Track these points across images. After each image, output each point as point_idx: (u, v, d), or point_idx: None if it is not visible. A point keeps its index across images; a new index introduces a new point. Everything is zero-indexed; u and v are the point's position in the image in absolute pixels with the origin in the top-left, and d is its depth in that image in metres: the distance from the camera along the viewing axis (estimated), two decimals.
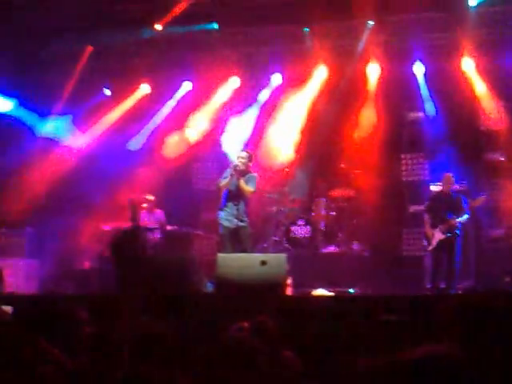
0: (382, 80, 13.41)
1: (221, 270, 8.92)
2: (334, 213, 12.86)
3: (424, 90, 13.39)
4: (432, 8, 12.56)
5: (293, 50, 13.65)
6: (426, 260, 11.82)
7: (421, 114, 13.59)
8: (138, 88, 14.42)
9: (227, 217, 10.43)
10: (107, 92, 14.52)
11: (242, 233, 10.41)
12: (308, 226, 12.55)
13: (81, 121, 14.20)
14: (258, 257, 9.33)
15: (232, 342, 3.94)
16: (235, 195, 10.43)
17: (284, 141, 13.72)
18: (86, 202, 12.93)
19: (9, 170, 12.82)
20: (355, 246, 12.60)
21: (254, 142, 13.37)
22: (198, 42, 13.66)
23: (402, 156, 13.74)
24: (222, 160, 13.18)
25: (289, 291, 9.49)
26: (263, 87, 14.11)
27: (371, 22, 12.92)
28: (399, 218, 13.27)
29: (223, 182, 10.47)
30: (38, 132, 13.97)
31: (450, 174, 11.38)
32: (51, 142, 13.95)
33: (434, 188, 12.18)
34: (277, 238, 12.63)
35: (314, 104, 13.80)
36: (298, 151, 13.58)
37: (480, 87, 13.04)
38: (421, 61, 13.23)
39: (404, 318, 6.68)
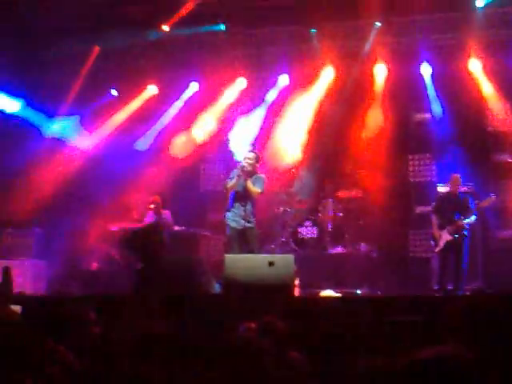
0: (389, 81, 13.40)
1: (228, 271, 8.92)
2: (341, 214, 12.84)
3: (431, 91, 13.36)
4: (439, 9, 12.55)
5: (300, 51, 13.65)
6: (434, 261, 11.80)
7: (428, 115, 13.57)
8: (145, 89, 14.44)
9: (234, 218, 10.41)
10: (114, 93, 14.54)
11: (249, 234, 10.39)
12: (315, 227, 12.54)
13: (88, 121, 14.24)
14: (266, 258, 9.32)
15: (239, 343, 3.94)
16: (242, 196, 10.41)
17: (291, 141, 13.72)
18: (93, 202, 12.97)
19: (16, 170, 12.85)
20: (362, 246, 12.58)
21: (260, 143, 13.36)
22: (204, 42, 13.68)
23: (410, 157, 13.71)
24: (229, 161, 13.18)
25: (296, 292, 9.49)
26: (270, 88, 14.11)
27: (378, 23, 12.92)
28: (406, 218, 13.25)
29: (230, 183, 10.45)
30: (46, 132, 14.01)
31: (458, 175, 11.35)
32: (58, 142, 13.98)
33: (441, 189, 12.15)
34: (284, 239, 12.62)
35: (321, 105, 13.79)
36: (304, 152, 13.58)
37: (487, 88, 13.02)
38: (428, 61, 13.21)
39: (411, 319, 6.68)
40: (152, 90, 14.48)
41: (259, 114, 14.08)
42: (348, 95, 13.46)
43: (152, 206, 12.65)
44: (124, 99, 14.46)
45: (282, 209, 12.84)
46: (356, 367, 3.84)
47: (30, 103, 13.83)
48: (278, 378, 3.95)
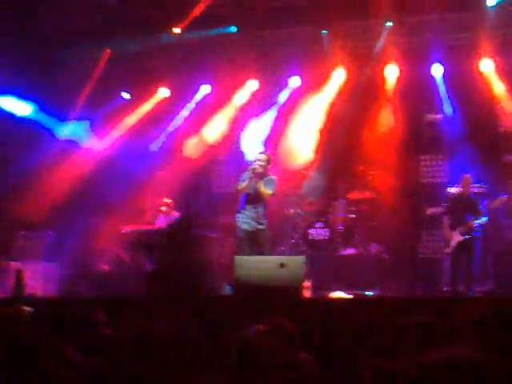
0: (401, 81, 13.37)
1: (239, 273, 8.93)
2: (353, 215, 12.82)
3: (442, 91, 13.33)
4: (450, 8, 12.52)
5: (311, 52, 13.64)
6: (445, 262, 11.76)
7: (439, 116, 13.52)
8: (156, 91, 14.48)
9: (246, 220, 10.40)
10: (126, 96, 14.58)
11: (261, 235, 10.39)
12: (326, 229, 12.53)
13: (99, 124, 14.29)
14: (277, 259, 9.32)
15: (249, 344, 3.94)
16: (254, 198, 10.40)
17: (302, 143, 13.71)
18: (105, 204, 13.00)
19: (29, 172, 12.90)
20: (373, 247, 12.55)
21: (272, 145, 13.36)
22: (216, 45, 13.71)
23: (421, 157, 13.67)
24: (241, 163, 13.18)
25: (307, 294, 9.48)
26: (281, 89, 14.11)
27: (389, 23, 12.90)
28: (417, 219, 13.21)
29: (242, 185, 10.44)
30: (58, 135, 14.06)
31: (469, 176, 11.33)
32: (71, 144, 14.03)
33: (452, 190, 12.10)
34: (294, 241, 12.62)
35: (332, 106, 13.78)
36: (316, 153, 13.57)
37: (499, 88, 12.96)
38: (439, 62, 13.17)
39: (422, 321, 6.65)
40: (164, 92, 14.51)
41: (270, 115, 14.08)
42: (359, 96, 13.44)
43: (163, 208, 12.68)
44: (136, 102, 14.51)
45: (292, 211, 12.83)
46: (367, 369, 3.83)
47: (41, 107, 13.89)
48: (287, 379, 3.94)
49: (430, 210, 13.07)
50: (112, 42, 13.59)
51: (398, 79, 13.41)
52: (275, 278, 8.69)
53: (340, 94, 13.76)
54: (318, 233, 12.50)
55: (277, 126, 13.96)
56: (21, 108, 13.81)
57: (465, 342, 3.33)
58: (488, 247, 11.72)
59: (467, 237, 10.84)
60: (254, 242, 10.35)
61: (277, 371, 3.80)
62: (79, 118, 14.17)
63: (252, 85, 14.14)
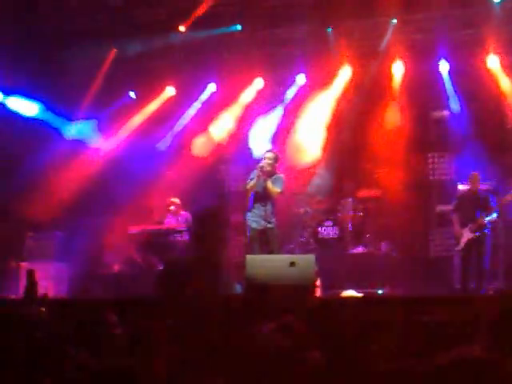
0: (407, 78, 13.33)
1: (249, 272, 8.93)
2: (361, 213, 12.80)
3: (449, 88, 13.28)
4: (456, 5, 12.50)
5: (317, 50, 13.60)
6: (455, 260, 11.73)
7: (446, 112, 13.49)
8: (163, 91, 14.47)
9: (255, 218, 10.41)
10: (132, 95, 14.59)
11: (270, 234, 10.39)
12: (335, 227, 12.52)
13: (106, 124, 14.29)
14: (287, 258, 9.32)
15: (260, 343, 3.95)
16: (262, 196, 10.41)
17: (309, 141, 13.69)
18: (114, 204, 13.00)
19: (37, 172, 12.91)
20: (383, 246, 12.54)
21: (279, 143, 13.35)
22: (221, 43, 13.70)
23: (429, 155, 13.63)
24: (249, 162, 13.15)
25: (318, 292, 9.47)
26: (288, 88, 14.09)
27: (395, 21, 12.87)
28: (426, 217, 13.20)
29: (250, 184, 10.45)
30: (65, 134, 14.08)
31: (477, 173, 11.30)
32: (78, 144, 14.04)
33: (462, 187, 12.07)
34: (303, 239, 12.61)
35: (339, 103, 13.75)
36: (323, 151, 13.55)
37: (506, 84, 12.91)
38: (445, 58, 13.13)
39: (434, 320, 6.64)
40: (170, 91, 14.50)
41: (277, 113, 14.07)
42: (366, 93, 13.43)
43: (171, 207, 12.68)
44: (142, 101, 14.50)
45: (302, 209, 12.82)
46: (378, 368, 3.83)
47: (48, 107, 13.90)
48: (297, 377, 3.94)
49: (440, 208, 13.05)
50: (118, 41, 13.59)
51: (405, 76, 13.37)
52: (286, 276, 8.69)
53: (346, 91, 13.73)
54: (328, 231, 12.49)
55: (284, 124, 13.95)
56: (28, 108, 13.85)
57: (477, 340, 3.33)
58: (498, 244, 11.69)
59: (477, 234, 10.81)
60: (263, 241, 10.35)
61: (287, 369, 3.81)
62: (86, 118, 14.17)
63: (258, 83, 14.12)
